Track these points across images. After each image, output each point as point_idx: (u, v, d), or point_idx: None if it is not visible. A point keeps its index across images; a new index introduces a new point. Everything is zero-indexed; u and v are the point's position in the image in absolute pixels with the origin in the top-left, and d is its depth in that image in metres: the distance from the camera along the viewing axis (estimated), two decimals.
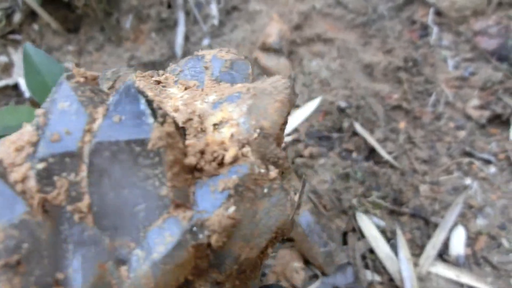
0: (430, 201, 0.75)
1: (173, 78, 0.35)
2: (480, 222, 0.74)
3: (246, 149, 0.27)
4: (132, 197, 0.25)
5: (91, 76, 0.30)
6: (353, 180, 0.74)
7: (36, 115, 0.28)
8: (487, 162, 0.78)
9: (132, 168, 0.25)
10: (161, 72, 0.36)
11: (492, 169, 0.78)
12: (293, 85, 0.31)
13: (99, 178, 0.25)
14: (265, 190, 0.28)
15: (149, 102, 0.26)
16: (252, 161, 0.27)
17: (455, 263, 0.70)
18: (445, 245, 0.72)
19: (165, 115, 0.26)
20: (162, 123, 0.25)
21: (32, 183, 0.26)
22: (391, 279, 0.69)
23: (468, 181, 0.77)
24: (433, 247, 0.70)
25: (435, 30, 0.87)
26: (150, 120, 0.25)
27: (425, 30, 0.88)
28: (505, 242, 0.72)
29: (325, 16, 0.94)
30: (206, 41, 0.90)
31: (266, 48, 0.85)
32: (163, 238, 0.25)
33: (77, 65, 0.89)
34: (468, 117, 0.81)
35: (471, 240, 0.72)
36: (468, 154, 0.79)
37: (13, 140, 0.27)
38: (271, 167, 0.29)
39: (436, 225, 0.72)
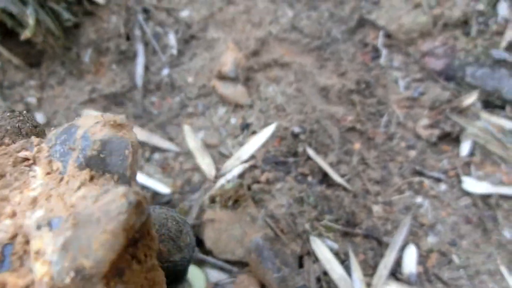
0: (383, 221, 0.77)
1: (46, 152, 0.29)
2: (431, 239, 0.77)
3: None
4: None
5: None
6: (307, 204, 0.76)
7: None
8: (437, 180, 0.81)
9: None
10: (36, 141, 0.30)
11: (443, 187, 0.81)
12: (137, 203, 0.25)
13: None
14: None
15: None
16: None
17: (407, 281, 0.73)
18: (398, 263, 0.74)
19: None
20: None
21: None
22: None
23: (419, 199, 0.80)
24: (385, 266, 0.73)
25: (385, 52, 0.90)
26: None
27: (376, 52, 0.91)
28: (455, 258, 0.75)
29: (281, 41, 0.97)
30: (165, 71, 0.93)
31: (222, 77, 0.88)
32: None
33: (40, 99, 0.91)
34: (419, 137, 0.84)
35: (422, 258, 0.75)
36: (419, 173, 0.81)
37: None
38: None
39: (388, 245, 0.75)
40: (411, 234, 0.76)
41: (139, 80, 0.92)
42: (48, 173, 0.27)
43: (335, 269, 0.72)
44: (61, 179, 0.27)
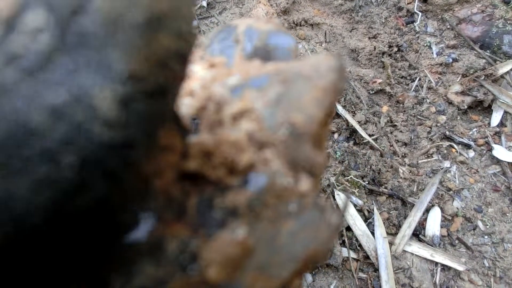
0: (409, 182, 0.76)
1: (200, 53, 0.29)
2: (457, 204, 0.75)
3: (268, 153, 0.21)
4: None
5: None
6: (333, 159, 0.75)
7: None
8: (467, 146, 0.79)
9: None
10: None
11: (471, 153, 0.79)
12: (342, 66, 0.23)
13: None
14: (292, 208, 0.21)
15: None
16: (274, 169, 0.21)
17: (430, 243, 0.71)
18: (422, 225, 0.73)
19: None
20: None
21: None
22: (366, 257, 0.70)
23: (446, 164, 0.78)
24: (408, 226, 0.71)
25: (420, 17, 0.88)
26: None
27: (411, 16, 0.89)
28: (480, 225, 0.74)
29: (312, 1, 0.95)
30: (194, 22, 0.91)
31: None
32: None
33: None
34: (450, 103, 0.82)
35: (447, 222, 0.74)
36: (448, 138, 0.80)
37: None
38: (303, 177, 0.22)
39: (413, 206, 0.73)
40: (437, 197, 0.75)
41: None
42: (212, 66, 0.26)
43: (359, 225, 0.71)
44: (229, 69, 0.26)
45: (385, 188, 0.74)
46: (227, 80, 0.24)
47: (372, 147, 0.77)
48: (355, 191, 0.73)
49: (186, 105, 0.24)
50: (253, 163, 0.20)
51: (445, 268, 0.70)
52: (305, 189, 0.21)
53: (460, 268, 0.70)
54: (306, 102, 0.22)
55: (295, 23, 0.92)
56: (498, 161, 0.78)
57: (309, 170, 0.22)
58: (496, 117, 0.81)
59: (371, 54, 0.87)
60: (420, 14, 0.89)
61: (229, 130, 0.21)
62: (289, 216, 0.21)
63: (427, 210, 0.73)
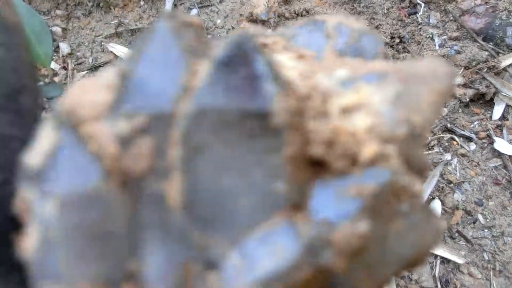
0: None
1: (283, 43, 0.28)
2: (457, 197, 0.74)
3: (390, 149, 0.21)
4: (235, 186, 0.20)
5: (196, 22, 0.24)
6: None
7: (121, 59, 0.22)
8: (468, 139, 0.79)
9: (240, 149, 0.20)
10: (268, 32, 0.30)
11: (473, 146, 0.78)
12: (455, 73, 0.23)
13: (194, 154, 0.20)
14: (404, 208, 0.21)
15: (270, 64, 0.20)
16: (395, 166, 0.21)
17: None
18: None
19: (286, 84, 0.20)
20: (285, 93, 0.19)
21: (109, 146, 0.20)
22: None
23: (447, 156, 0.77)
24: None
25: (422, 8, 0.87)
26: (270, 87, 0.19)
27: (413, 8, 0.88)
28: (480, 218, 0.73)
29: None
30: (194, 11, 0.90)
31: (253, 19, 0.85)
32: (272, 249, 0.19)
33: (65, 30, 0.89)
34: (452, 95, 0.81)
35: (447, 214, 0.73)
36: (449, 131, 0.79)
37: (88, 86, 0.21)
38: (414, 177, 0.22)
39: None
40: (437, 190, 0.74)
41: None
42: (301, 57, 0.26)
43: None
44: (321, 63, 0.25)
45: None
46: (335, 72, 0.23)
47: None
48: None
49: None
50: (376, 157, 0.20)
51: (444, 260, 0.70)
52: (418, 190, 0.21)
53: (459, 261, 0.69)
54: (424, 104, 0.21)
55: (296, 13, 0.91)
56: (499, 154, 0.77)
57: (419, 171, 0.22)
58: (498, 110, 0.81)
59: None
60: (423, 5, 0.88)
61: (341, 121, 0.21)
62: (400, 216, 0.21)
63: (427, 203, 0.73)
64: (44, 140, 0.20)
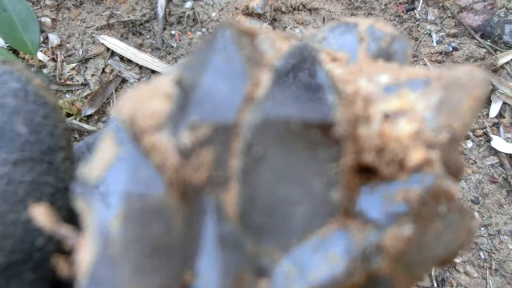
0: None
1: (314, 45, 0.29)
2: None
3: (433, 154, 0.22)
4: (292, 194, 0.20)
5: (251, 29, 0.24)
6: None
7: (179, 67, 0.22)
8: (465, 137, 0.78)
9: (301, 158, 0.20)
10: (299, 35, 0.30)
11: (469, 144, 0.78)
12: (488, 79, 0.25)
13: (256, 163, 0.20)
14: (442, 209, 0.22)
15: (328, 74, 0.20)
16: (438, 170, 0.22)
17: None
18: None
19: (343, 94, 0.20)
20: (345, 103, 0.19)
21: (171, 157, 0.20)
22: None
23: None
24: None
25: (420, 4, 0.86)
26: (332, 98, 0.19)
27: (411, 4, 0.87)
28: (477, 216, 0.72)
29: None
30: (189, 3, 0.88)
31: (249, 13, 0.83)
32: (325, 256, 0.20)
33: (54, 20, 0.86)
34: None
35: None
36: None
37: (144, 94, 0.21)
38: (452, 180, 0.23)
39: None
40: None
41: (160, 11, 0.87)
42: (335, 60, 0.26)
43: None
44: (356, 65, 0.26)
45: None
46: (378, 77, 0.25)
47: None
48: None
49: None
50: (422, 162, 0.21)
51: None
52: (455, 192, 0.22)
53: (455, 259, 0.68)
54: (463, 109, 0.23)
55: (293, 7, 0.89)
56: (496, 152, 0.76)
57: (455, 173, 0.23)
58: (495, 108, 0.80)
59: None
60: (420, 1, 0.87)
61: (384, 126, 0.22)
62: (438, 217, 0.22)
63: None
64: (105, 152, 0.20)
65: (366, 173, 0.21)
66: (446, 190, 0.21)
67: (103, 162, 0.20)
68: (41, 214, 0.20)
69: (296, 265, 0.20)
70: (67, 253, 0.22)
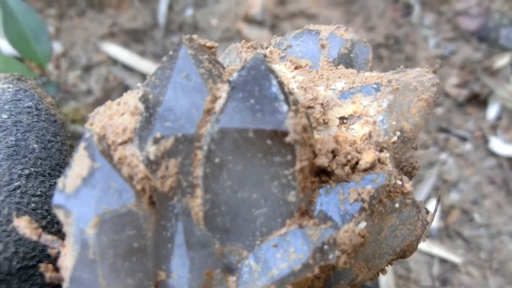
0: None
1: (279, 53, 0.31)
2: (453, 196, 0.74)
3: (385, 155, 0.24)
4: (252, 198, 0.22)
5: (209, 44, 0.26)
6: None
7: (144, 85, 0.24)
8: (463, 139, 0.79)
9: (258, 165, 0.21)
10: (265, 44, 0.32)
11: (468, 146, 0.79)
12: (440, 81, 0.27)
13: (217, 171, 0.22)
14: (396, 205, 0.24)
15: (281, 85, 0.22)
16: (389, 170, 0.24)
17: (427, 235, 0.71)
18: None
19: (297, 103, 0.22)
20: (296, 112, 0.21)
21: (140, 169, 0.21)
22: None
23: (443, 156, 0.77)
24: None
25: (417, 9, 0.88)
26: (284, 107, 0.21)
27: (407, 9, 0.89)
28: (477, 217, 0.73)
29: None
30: (189, 11, 0.90)
31: (249, 19, 0.85)
32: (286, 253, 0.22)
33: (58, 29, 0.88)
34: (446, 95, 0.82)
35: (443, 214, 0.73)
36: (445, 131, 0.79)
37: (113, 111, 0.23)
38: (405, 178, 0.25)
39: None
40: (434, 189, 0.74)
41: (161, 19, 0.89)
42: (297, 67, 0.29)
43: None
44: (317, 72, 0.28)
45: None
46: (333, 84, 0.27)
47: None
48: None
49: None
50: (374, 163, 0.23)
51: (442, 260, 0.70)
52: (409, 190, 0.24)
53: (457, 260, 0.69)
54: (413, 112, 0.25)
55: (292, 13, 0.91)
56: (494, 154, 0.77)
57: (408, 172, 0.25)
58: (492, 110, 0.81)
59: None
60: (417, 6, 0.88)
61: (341, 131, 0.24)
62: (393, 213, 0.24)
63: (424, 202, 0.73)
64: (79, 165, 0.22)
65: (324, 175, 0.23)
66: (399, 187, 0.24)
67: (78, 174, 0.21)
68: (24, 225, 0.23)
69: (260, 262, 0.22)
70: (53, 260, 0.24)
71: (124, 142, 0.22)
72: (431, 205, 0.73)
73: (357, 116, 0.25)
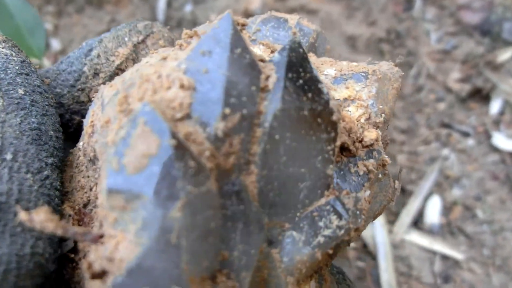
0: (407, 170, 0.74)
1: (249, 35, 0.31)
2: (456, 192, 0.74)
3: (379, 133, 0.27)
4: (300, 172, 0.23)
5: (242, 21, 0.27)
6: None
7: (185, 58, 0.22)
8: (465, 134, 0.78)
9: (309, 141, 0.23)
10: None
11: (470, 141, 0.78)
12: (402, 74, 0.32)
13: (275, 147, 0.22)
14: (379, 175, 0.27)
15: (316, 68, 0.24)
16: (381, 145, 0.27)
17: (429, 232, 0.70)
18: (421, 213, 0.71)
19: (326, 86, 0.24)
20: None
21: (206, 145, 0.21)
22: (364, 245, 0.68)
23: (445, 152, 0.77)
24: (407, 214, 0.70)
25: (419, 3, 0.87)
26: (325, 89, 0.23)
27: (409, 3, 0.88)
28: (479, 213, 0.72)
29: None
30: (188, 7, 0.89)
31: (248, 15, 0.84)
32: (329, 221, 0.24)
33: (56, 26, 0.87)
34: (449, 90, 0.81)
35: (446, 210, 0.72)
36: (447, 126, 0.78)
37: (158, 84, 0.22)
38: (385, 152, 0.29)
39: (412, 194, 0.72)
40: (436, 185, 0.73)
41: (160, 15, 0.88)
42: (273, 51, 0.30)
43: None
44: None
45: None
46: (326, 70, 0.29)
47: None
48: None
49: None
50: (376, 140, 0.26)
51: (444, 256, 0.69)
52: (388, 162, 0.27)
53: (459, 256, 0.68)
54: (389, 97, 0.29)
55: (292, 9, 0.90)
56: (497, 149, 0.76)
57: (385, 147, 0.29)
58: (495, 105, 0.80)
59: (369, 41, 0.85)
60: (418, 0, 0.87)
61: (344, 112, 0.27)
62: (376, 181, 0.27)
63: (426, 198, 0.72)
64: (143, 142, 0.19)
65: (341, 150, 0.26)
66: (385, 160, 0.27)
67: (143, 154, 0.19)
68: (44, 218, 0.19)
69: (303, 232, 0.23)
70: (72, 259, 0.23)
71: (183, 118, 0.21)
72: (433, 201, 0.72)
73: (351, 100, 0.28)
